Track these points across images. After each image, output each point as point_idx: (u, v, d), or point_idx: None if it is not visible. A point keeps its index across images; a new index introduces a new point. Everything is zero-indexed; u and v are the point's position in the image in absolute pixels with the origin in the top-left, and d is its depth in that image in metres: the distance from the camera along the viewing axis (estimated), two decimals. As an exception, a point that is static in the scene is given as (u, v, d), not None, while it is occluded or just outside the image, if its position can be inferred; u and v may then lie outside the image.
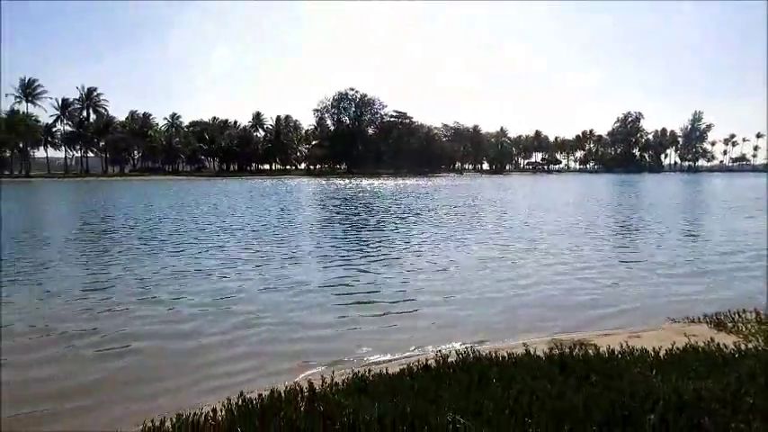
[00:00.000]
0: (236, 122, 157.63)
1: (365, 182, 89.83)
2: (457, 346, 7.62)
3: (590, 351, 6.41)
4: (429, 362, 5.82)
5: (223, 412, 4.66)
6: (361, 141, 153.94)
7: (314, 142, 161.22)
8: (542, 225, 24.85)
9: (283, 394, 4.94)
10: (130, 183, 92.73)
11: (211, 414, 4.60)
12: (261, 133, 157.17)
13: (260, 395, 4.90)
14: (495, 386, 4.95)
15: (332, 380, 5.36)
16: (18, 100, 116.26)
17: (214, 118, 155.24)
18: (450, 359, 5.86)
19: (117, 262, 15.34)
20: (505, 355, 6.07)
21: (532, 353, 6.10)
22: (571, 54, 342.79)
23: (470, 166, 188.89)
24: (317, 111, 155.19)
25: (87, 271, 14.15)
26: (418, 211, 32.37)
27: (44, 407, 6.03)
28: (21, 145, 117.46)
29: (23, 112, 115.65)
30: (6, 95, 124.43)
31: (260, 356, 7.73)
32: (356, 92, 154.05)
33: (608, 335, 8.07)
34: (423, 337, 8.53)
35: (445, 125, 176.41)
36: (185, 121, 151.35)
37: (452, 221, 26.79)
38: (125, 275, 13.27)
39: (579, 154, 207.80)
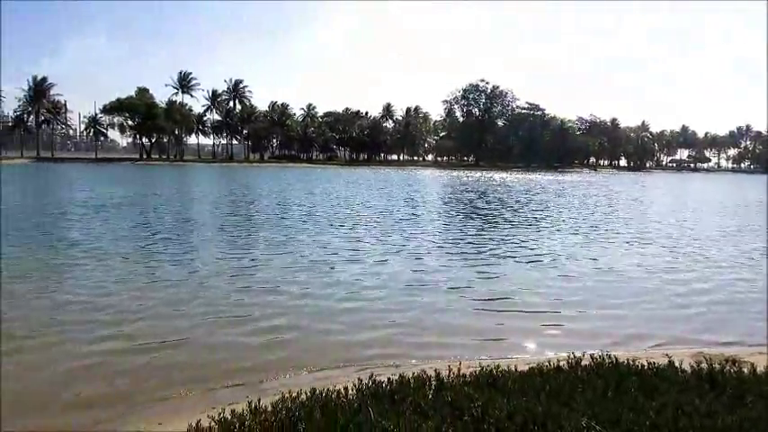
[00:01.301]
0: (366, 113, 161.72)
1: (495, 175, 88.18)
2: (591, 350, 7.27)
3: (744, 369, 5.81)
4: (561, 363, 5.60)
5: (354, 391, 4.82)
6: (491, 134, 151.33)
7: (442, 134, 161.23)
8: (699, 229, 22.91)
9: (411, 381, 5.01)
10: (278, 169, 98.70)
11: (342, 392, 4.78)
12: (390, 124, 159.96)
13: (389, 379, 5.00)
14: (634, 395, 4.65)
15: (458, 371, 5.34)
16: (175, 91, 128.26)
17: (346, 109, 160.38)
18: (583, 362, 5.60)
19: (259, 246, 16.45)
20: (645, 364, 5.68)
21: (677, 365, 5.64)
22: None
23: (606, 162, 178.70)
24: (446, 102, 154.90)
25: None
26: (558, 209, 31.08)
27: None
28: (176, 132, 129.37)
29: (179, 103, 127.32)
30: (166, 85, 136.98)
31: (389, 345, 7.93)
32: (487, 83, 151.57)
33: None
34: (554, 337, 8.27)
35: (580, 118, 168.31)
36: (320, 111, 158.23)
37: (595, 221, 25.55)
38: (269, 261, 14.19)
39: (732, 152, 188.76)
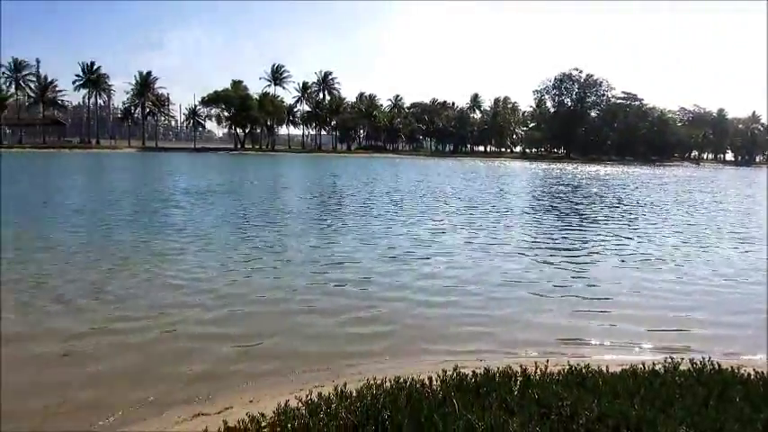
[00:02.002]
0: (453, 104, 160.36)
1: (588, 168, 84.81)
2: (689, 354, 6.86)
3: None
4: (657, 367, 5.32)
5: (438, 382, 4.82)
6: (583, 125, 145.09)
7: (531, 124, 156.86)
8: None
9: (497, 376, 4.93)
10: (364, 159, 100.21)
11: (426, 382, 4.79)
12: (478, 115, 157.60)
13: (473, 372, 4.96)
14: (739, 406, 4.34)
15: (546, 369, 5.20)
16: (268, 84, 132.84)
17: (433, 99, 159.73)
18: (682, 367, 5.29)
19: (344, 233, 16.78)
20: (751, 372, 5.29)
21: (789, 375, 5.20)
22: None
23: (709, 156, 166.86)
24: (536, 92, 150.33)
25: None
26: (662, 206, 29.29)
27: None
28: (269, 123, 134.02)
29: (272, 95, 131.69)
30: (259, 79, 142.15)
31: (474, 339, 7.87)
32: (580, 72, 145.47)
33: None
34: (647, 338, 7.87)
35: (682, 108, 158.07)
36: (407, 102, 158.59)
37: (704, 219, 24.05)
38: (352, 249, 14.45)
39: None
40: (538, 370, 5.14)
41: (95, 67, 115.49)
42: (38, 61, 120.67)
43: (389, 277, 11.22)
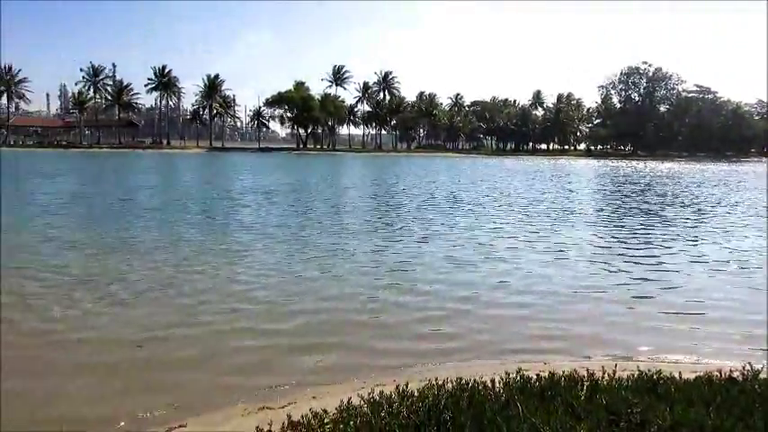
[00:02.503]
0: (515, 101, 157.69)
1: (659, 165, 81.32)
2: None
3: None
4: (734, 374, 5.04)
5: (501, 385, 4.74)
6: (652, 120, 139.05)
7: (596, 121, 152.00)
8: None
9: (562, 380, 4.81)
10: (425, 158, 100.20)
11: (489, 384, 4.73)
12: (540, 112, 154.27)
13: (538, 376, 4.85)
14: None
15: (614, 373, 5.03)
16: (329, 84, 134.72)
17: (494, 97, 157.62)
18: (761, 375, 4.99)
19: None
20: (842, 383, 4.93)
21: None
22: None
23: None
24: (602, 87, 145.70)
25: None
26: (744, 205, 27.46)
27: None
28: (330, 123, 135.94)
29: (333, 95, 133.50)
30: (321, 80, 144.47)
31: (538, 341, 7.73)
32: (649, 65, 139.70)
33: None
34: (722, 344, 7.50)
35: (760, 101, 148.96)
36: (467, 100, 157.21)
37: None
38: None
39: None
40: (605, 375, 4.97)
41: (167, 71, 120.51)
42: (114, 66, 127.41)
43: (453, 279, 11.13)
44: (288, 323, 8.34)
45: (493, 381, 4.79)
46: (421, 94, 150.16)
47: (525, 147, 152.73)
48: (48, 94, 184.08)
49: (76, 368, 6.66)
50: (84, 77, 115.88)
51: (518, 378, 4.81)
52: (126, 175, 43.99)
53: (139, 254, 12.91)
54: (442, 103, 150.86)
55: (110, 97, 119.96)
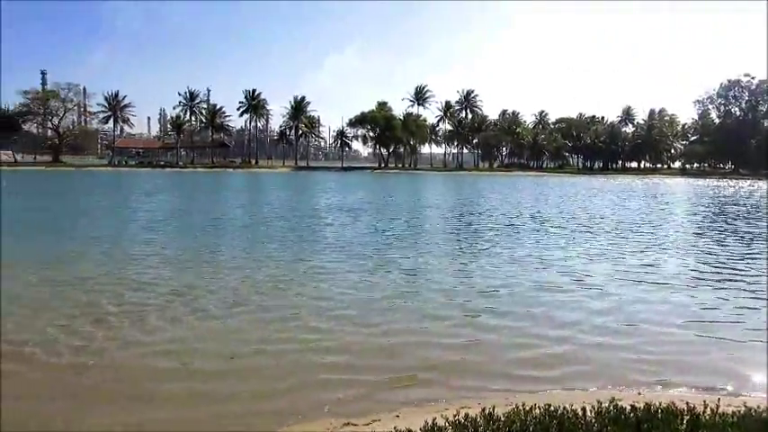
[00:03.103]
0: (603, 118, 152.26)
1: (765, 185, 75.31)
2: None
3: None
4: None
5: (592, 414, 4.56)
6: (756, 136, 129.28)
7: (692, 137, 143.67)
8: None
9: (659, 412, 4.56)
10: (508, 177, 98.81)
11: (580, 413, 4.56)
12: (630, 128, 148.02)
13: (633, 407, 4.62)
14: None
15: (716, 408, 4.70)
16: (411, 104, 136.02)
17: (580, 114, 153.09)
18: None
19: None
20: None
21: None
22: None
23: None
24: (698, 102, 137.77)
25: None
26: None
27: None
28: (411, 142, 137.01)
29: (415, 114, 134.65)
30: (402, 99, 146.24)
31: (629, 374, 7.38)
32: (752, 78, 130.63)
33: None
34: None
35: None
36: (552, 117, 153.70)
37: None
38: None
39: None
40: (707, 409, 4.66)
41: (256, 94, 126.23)
42: (208, 90, 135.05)
43: (541, 303, 10.82)
44: (372, 341, 8.43)
45: (584, 409, 4.61)
46: (503, 111, 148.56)
47: (614, 165, 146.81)
48: (149, 118, 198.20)
49: (171, 373, 7.06)
50: (181, 102, 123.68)
51: (611, 408, 4.61)
52: (220, 194, 46.27)
53: (229, 269, 13.51)
54: (525, 121, 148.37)
55: (204, 120, 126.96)
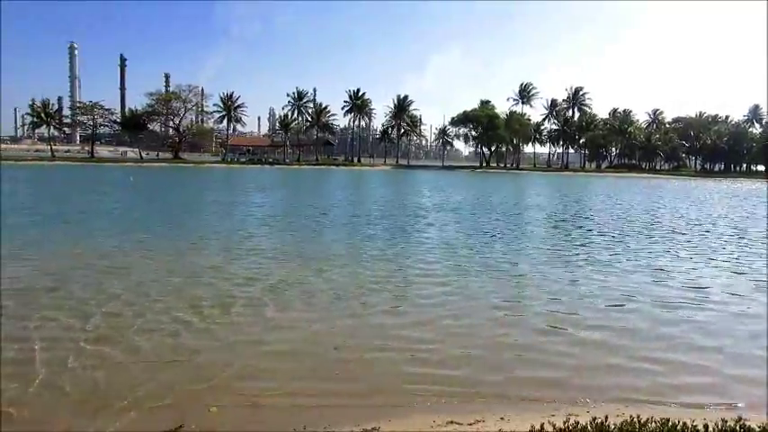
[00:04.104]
0: (726, 117, 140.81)
1: None
2: None
3: None
4: None
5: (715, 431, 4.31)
6: None
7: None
8: None
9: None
10: (619, 179, 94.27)
11: (702, 429, 4.32)
12: (758, 129, 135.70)
13: (763, 428, 4.31)
14: None
15: None
16: (515, 102, 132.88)
17: (700, 113, 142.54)
18: None
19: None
20: None
21: None
22: None
23: None
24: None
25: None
26: None
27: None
28: (514, 141, 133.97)
29: (519, 113, 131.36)
30: (507, 99, 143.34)
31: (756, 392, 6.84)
32: None
33: None
34: None
35: None
36: (668, 116, 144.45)
37: None
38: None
39: None
40: None
41: (360, 93, 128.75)
42: (314, 90, 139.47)
43: (666, 314, 10.17)
44: (480, 340, 8.40)
45: (706, 426, 4.38)
46: (614, 110, 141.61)
47: (738, 168, 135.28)
48: (259, 117, 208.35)
49: (273, 356, 7.44)
50: (289, 101, 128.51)
51: (737, 427, 4.33)
52: (328, 190, 47.70)
53: (333, 265, 13.95)
54: (638, 120, 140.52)
55: (310, 119, 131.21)
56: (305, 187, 50.90)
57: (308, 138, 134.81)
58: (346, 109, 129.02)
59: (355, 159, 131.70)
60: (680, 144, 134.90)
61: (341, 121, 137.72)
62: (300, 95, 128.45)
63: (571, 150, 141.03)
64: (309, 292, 11.01)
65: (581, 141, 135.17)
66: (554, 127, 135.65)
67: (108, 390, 6.49)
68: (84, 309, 9.52)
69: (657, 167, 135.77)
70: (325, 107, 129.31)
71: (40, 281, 11.48)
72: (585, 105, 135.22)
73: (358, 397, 6.49)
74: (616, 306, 10.52)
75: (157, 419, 5.78)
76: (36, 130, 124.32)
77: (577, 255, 16.29)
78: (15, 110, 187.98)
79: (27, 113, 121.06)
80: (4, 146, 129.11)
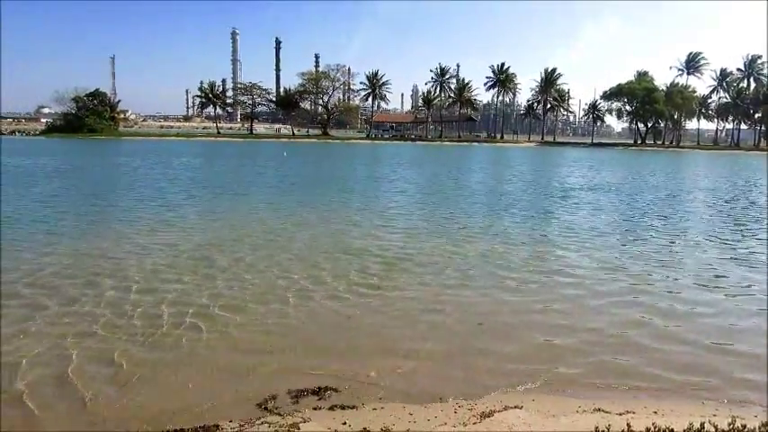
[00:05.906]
0: None
1: None
2: None
3: None
4: None
5: None
6: None
7: None
8: None
9: None
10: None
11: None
12: None
13: None
14: None
15: None
16: (679, 73, 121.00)
17: None
18: None
19: None
20: None
21: None
22: None
23: None
24: None
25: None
26: None
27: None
28: (675, 116, 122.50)
29: (681, 85, 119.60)
30: (671, 68, 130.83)
31: None
32: None
33: None
34: None
35: None
36: None
37: None
38: None
39: None
40: None
41: (505, 68, 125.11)
42: (458, 66, 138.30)
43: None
44: (615, 330, 8.08)
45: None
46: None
47: None
48: (402, 94, 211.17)
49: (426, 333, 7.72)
50: (432, 78, 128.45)
51: None
52: (473, 165, 47.53)
53: (475, 241, 14.01)
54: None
55: (452, 95, 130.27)
56: (456, 164, 50.94)
57: (450, 114, 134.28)
58: (489, 84, 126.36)
59: (498, 136, 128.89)
60: None
61: (483, 96, 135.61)
62: (443, 71, 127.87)
63: (744, 126, 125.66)
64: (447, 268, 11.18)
65: (756, 116, 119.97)
66: (724, 100, 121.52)
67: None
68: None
69: None
70: (468, 83, 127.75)
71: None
72: (763, 75, 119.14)
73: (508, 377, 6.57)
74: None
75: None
76: (204, 110, 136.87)
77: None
78: (187, 91, 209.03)
79: (196, 95, 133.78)
80: (177, 123, 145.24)
